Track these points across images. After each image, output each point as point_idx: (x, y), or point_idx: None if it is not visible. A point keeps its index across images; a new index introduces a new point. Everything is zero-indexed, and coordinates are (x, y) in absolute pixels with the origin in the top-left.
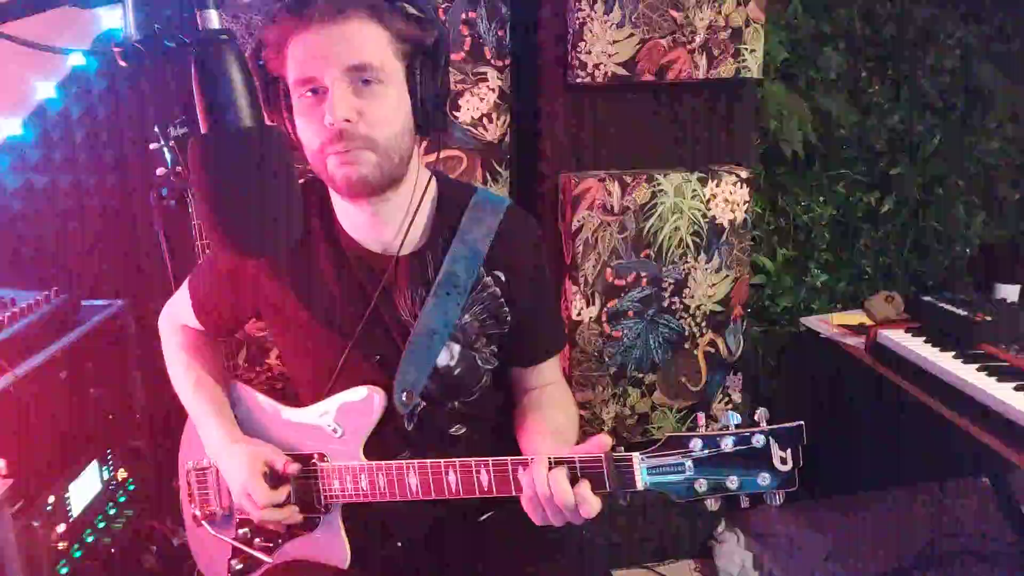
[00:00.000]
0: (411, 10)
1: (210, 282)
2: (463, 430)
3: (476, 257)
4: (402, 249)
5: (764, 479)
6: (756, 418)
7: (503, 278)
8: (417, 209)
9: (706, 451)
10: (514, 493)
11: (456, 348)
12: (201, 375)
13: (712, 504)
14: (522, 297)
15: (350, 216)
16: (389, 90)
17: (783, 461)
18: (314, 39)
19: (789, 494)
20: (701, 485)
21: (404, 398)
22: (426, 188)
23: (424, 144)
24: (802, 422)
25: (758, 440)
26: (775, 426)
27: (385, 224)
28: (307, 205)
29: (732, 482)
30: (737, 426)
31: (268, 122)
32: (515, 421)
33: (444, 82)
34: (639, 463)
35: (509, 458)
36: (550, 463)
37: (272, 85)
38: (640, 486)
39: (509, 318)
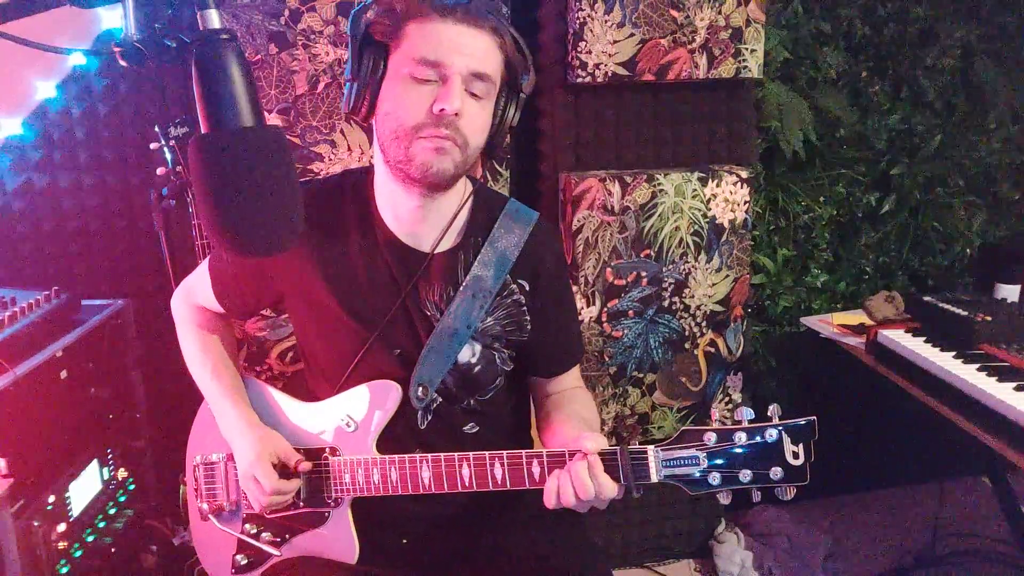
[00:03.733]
0: (521, 45)
1: (233, 265)
2: (476, 428)
3: (504, 263)
4: (438, 247)
5: (776, 473)
6: (769, 413)
7: (527, 287)
8: (457, 213)
9: (720, 445)
10: (528, 486)
11: (477, 347)
12: (218, 359)
13: (724, 497)
14: (543, 307)
15: (394, 205)
16: (487, 105)
17: (795, 456)
18: (453, 31)
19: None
20: (714, 478)
21: (420, 393)
22: (468, 195)
23: None
24: (814, 417)
25: (771, 435)
26: (788, 421)
27: (425, 220)
28: (344, 195)
29: (745, 476)
30: (751, 421)
31: (269, 121)
32: (539, 424)
33: (517, 112)
34: (654, 456)
35: (523, 451)
36: (568, 455)
37: (369, 47)
38: (655, 479)
39: (529, 326)
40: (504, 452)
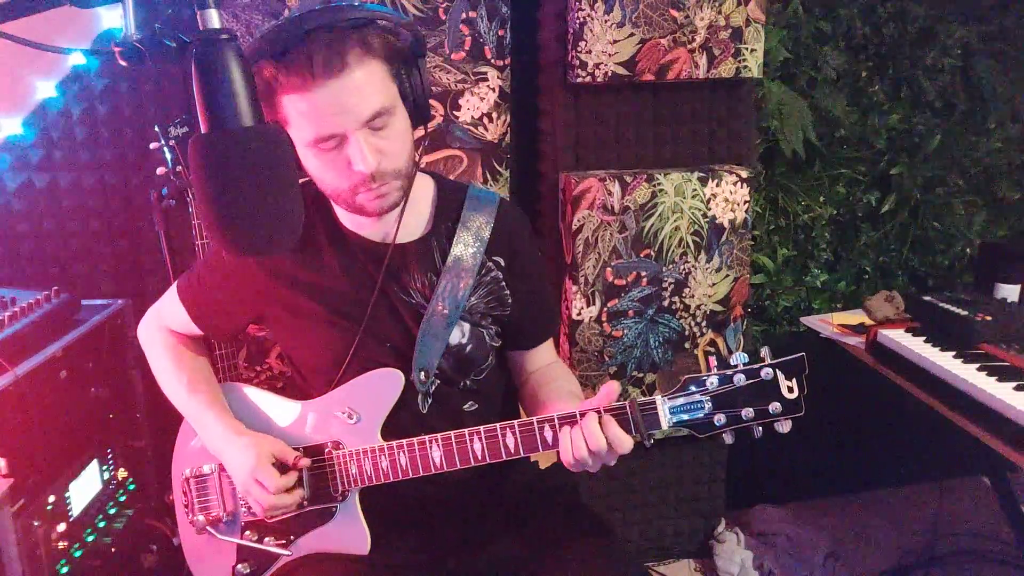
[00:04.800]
0: (386, 23)
1: (210, 289)
2: (475, 406)
3: (480, 242)
4: (408, 237)
5: (775, 408)
6: (762, 355)
7: (502, 263)
8: (407, 198)
9: (722, 388)
10: (541, 451)
11: (466, 327)
12: (194, 375)
13: (729, 437)
14: (520, 280)
15: (353, 216)
16: (397, 118)
17: (790, 390)
18: (324, 98)
19: (789, 494)
20: (719, 419)
21: (422, 376)
22: (412, 178)
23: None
24: (803, 354)
25: (767, 373)
26: (780, 359)
27: (387, 218)
28: (307, 204)
29: (747, 413)
30: (745, 364)
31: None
32: (523, 401)
33: (424, 74)
34: (662, 404)
35: (535, 417)
36: (579, 415)
37: None
38: (664, 425)
39: (510, 300)
40: (514, 421)
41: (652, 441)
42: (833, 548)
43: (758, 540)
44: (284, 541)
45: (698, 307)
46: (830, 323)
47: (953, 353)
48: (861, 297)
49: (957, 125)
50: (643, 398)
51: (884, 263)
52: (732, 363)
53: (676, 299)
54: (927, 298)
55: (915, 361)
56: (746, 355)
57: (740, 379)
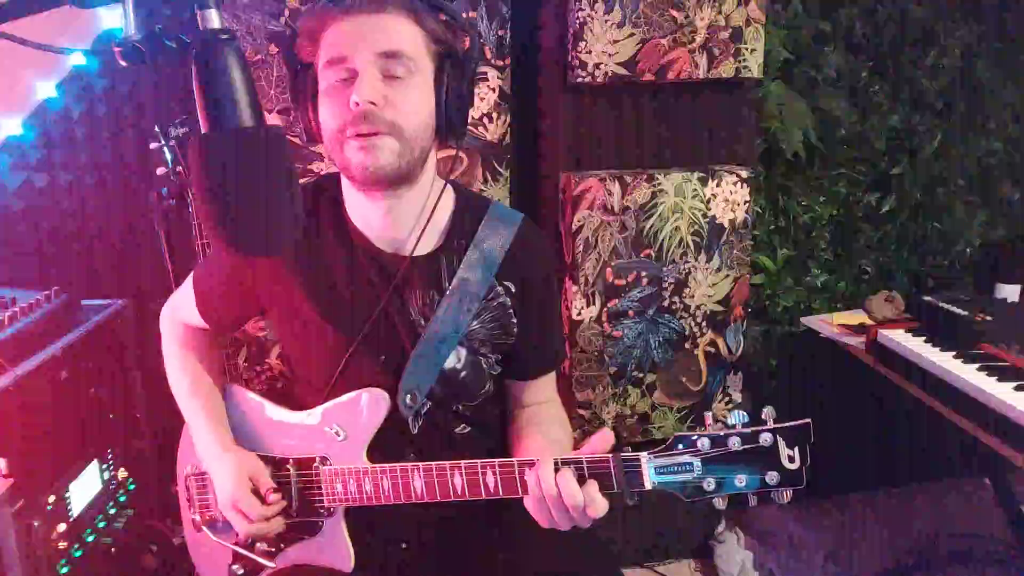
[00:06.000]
0: (445, 15)
1: (216, 278)
2: (467, 430)
3: (491, 265)
4: (416, 250)
5: (772, 477)
6: (763, 417)
7: (513, 289)
8: (433, 211)
9: (714, 450)
10: (520, 495)
11: (464, 352)
12: (197, 377)
13: (720, 503)
14: (529, 309)
15: (363, 213)
16: (417, 80)
17: (791, 459)
18: (350, 26)
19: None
20: (709, 484)
21: (408, 400)
22: (441, 192)
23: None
24: (809, 420)
25: (765, 439)
26: (782, 424)
27: (397, 223)
28: (317, 202)
29: (740, 481)
30: (744, 425)
31: (269, 121)
32: (510, 437)
33: (470, 89)
34: (647, 463)
35: (516, 459)
36: (557, 464)
37: (301, 74)
38: (648, 486)
39: (516, 329)
40: (496, 460)
41: (635, 500)
42: (833, 548)
43: (758, 540)
44: (273, 549)
45: (698, 307)
46: (830, 323)
47: (953, 353)
48: (861, 298)
49: (957, 125)
50: (627, 454)
51: (884, 263)
52: (729, 423)
53: (676, 299)
54: (927, 298)
55: (915, 361)
56: (746, 415)
57: (735, 442)
